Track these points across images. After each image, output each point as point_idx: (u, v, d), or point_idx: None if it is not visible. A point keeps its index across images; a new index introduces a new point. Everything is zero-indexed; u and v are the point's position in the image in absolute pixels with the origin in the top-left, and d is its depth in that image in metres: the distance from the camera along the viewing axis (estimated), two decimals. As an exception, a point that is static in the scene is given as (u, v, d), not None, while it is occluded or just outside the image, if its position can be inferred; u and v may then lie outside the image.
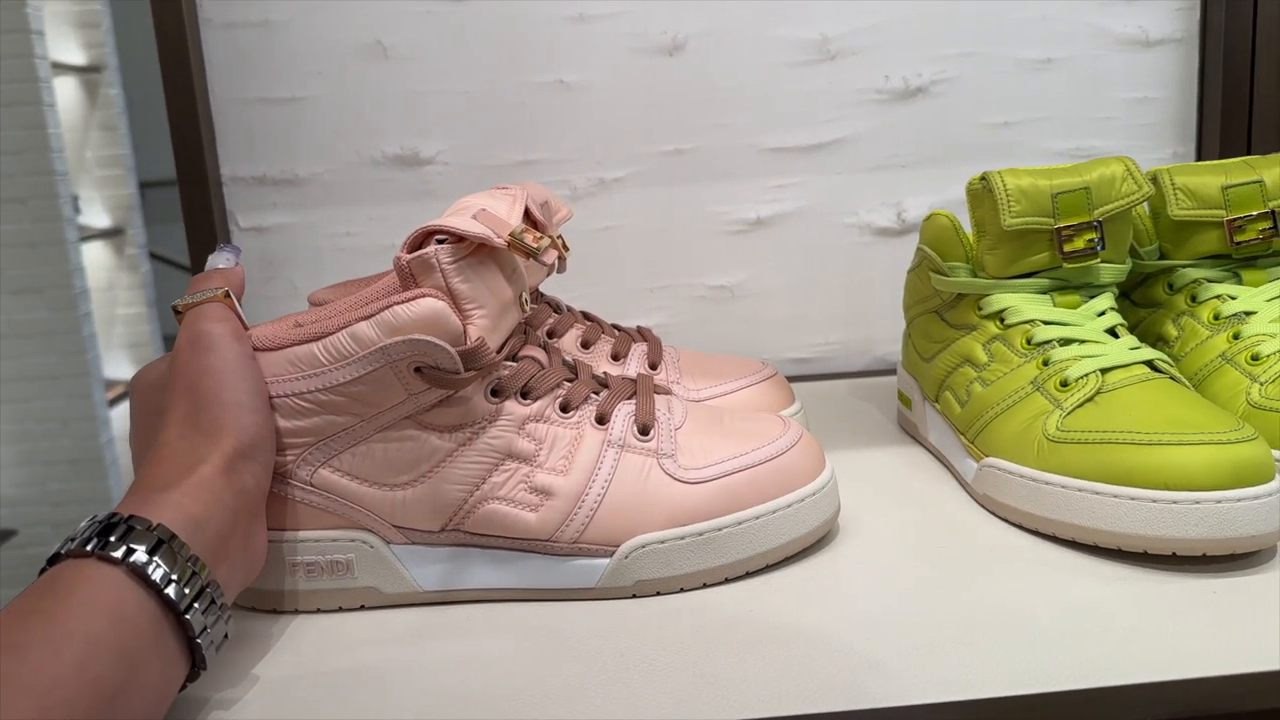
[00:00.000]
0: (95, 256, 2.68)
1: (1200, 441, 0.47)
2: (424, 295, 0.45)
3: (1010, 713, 0.38)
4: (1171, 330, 0.62)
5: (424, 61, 0.86)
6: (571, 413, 0.49)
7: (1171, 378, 0.54)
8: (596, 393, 0.51)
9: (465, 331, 0.45)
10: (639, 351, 0.65)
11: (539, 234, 0.48)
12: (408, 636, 0.46)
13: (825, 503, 0.51)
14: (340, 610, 0.49)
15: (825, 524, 0.52)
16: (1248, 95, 0.86)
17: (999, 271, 0.58)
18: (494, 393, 0.48)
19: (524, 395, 0.49)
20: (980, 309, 0.59)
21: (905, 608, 0.46)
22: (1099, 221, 0.57)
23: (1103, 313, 0.57)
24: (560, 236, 0.55)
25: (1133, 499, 0.48)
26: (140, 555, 0.37)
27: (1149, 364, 0.54)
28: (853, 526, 0.55)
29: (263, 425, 0.45)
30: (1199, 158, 0.90)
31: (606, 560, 0.48)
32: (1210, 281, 0.61)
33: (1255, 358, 0.57)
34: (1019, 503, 0.53)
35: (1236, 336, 0.59)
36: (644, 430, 0.50)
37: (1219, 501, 0.46)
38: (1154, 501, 0.47)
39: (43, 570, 0.37)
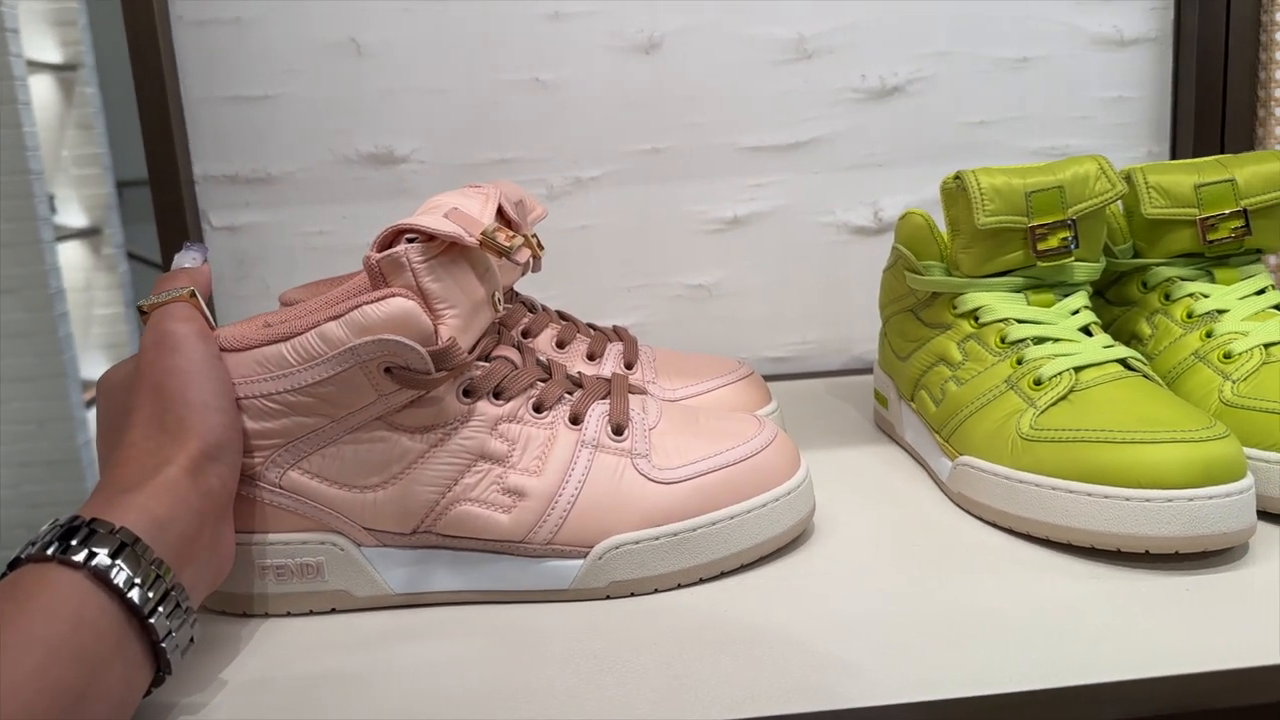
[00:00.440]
0: (72, 256, 2.65)
1: (1173, 439, 0.47)
2: (394, 295, 0.44)
3: (984, 712, 0.38)
4: (1145, 328, 0.62)
5: (398, 59, 0.85)
6: (545, 413, 0.49)
7: (1145, 376, 0.54)
8: (570, 393, 0.51)
9: (436, 331, 0.45)
10: (615, 351, 0.64)
11: (512, 233, 0.48)
12: (379, 640, 0.46)
13: (800, 502, 0.51)
14: (310, 613, 0.48)
15: (800, 524, 0.51)
16: (1220, 95, 0.87)
17: (973, 270, 0.58)
18: (466, 393, 0.47)
19: (497, 395, 0.48)
20: (955, 308, 0.59)
21: (880, 607, 0.46)
22: (1073, 220, 0.57)
23: (1076, 311, 0.57)
24: (535, 235, 0.55)
25: (1106, 497, 0.48)
26: (103, 559, 0.36)
27: (1122, 362, 0.55)
28: (828, 526, 0.54)
29: (229, 426, 0.44)
30: (1173, 156, 0.91)
31: (580, 561, 0.47)
32: (1183, 280, 0.61)
33: (1227, 356, 0.57)
34: (993, 501, 0.53)
35: (1209, 335, 0.59)
36: (618, 430, 0.50)
37: (1191, 499, 0.46)
38: (1127, 500, 0.47)
39: (3, 575, 0.36)
